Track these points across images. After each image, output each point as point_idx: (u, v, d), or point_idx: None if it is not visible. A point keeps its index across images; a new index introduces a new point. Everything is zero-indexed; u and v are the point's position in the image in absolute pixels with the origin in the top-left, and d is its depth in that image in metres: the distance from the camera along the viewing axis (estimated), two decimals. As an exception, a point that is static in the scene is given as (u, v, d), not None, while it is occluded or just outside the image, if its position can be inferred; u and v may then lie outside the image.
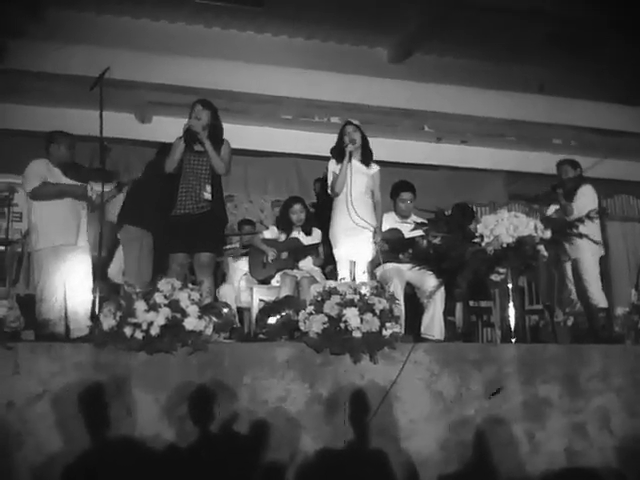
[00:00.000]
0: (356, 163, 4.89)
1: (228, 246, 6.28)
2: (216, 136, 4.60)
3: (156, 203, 4.84)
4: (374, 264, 4.86)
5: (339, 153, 4.90)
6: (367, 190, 4.92)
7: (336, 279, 4.21)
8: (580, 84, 7.20)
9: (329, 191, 4.98)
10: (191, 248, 4.47)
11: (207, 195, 4.45)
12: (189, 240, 4.43)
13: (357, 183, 4.83)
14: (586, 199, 5.51)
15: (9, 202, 5.26)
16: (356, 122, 5.03)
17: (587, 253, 5.38)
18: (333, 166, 4.95)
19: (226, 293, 5.34)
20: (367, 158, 4.97)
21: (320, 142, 5.59)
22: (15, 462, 3.00)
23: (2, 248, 5.88)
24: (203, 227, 4.43)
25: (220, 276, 5.93)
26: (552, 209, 5.70)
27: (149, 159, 5.70)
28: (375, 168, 5.00)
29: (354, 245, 4.76)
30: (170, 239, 4.52)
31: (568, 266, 5.60)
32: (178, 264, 4.45)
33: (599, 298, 5.39)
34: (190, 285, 3.35)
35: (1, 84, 6.15)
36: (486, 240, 3.97)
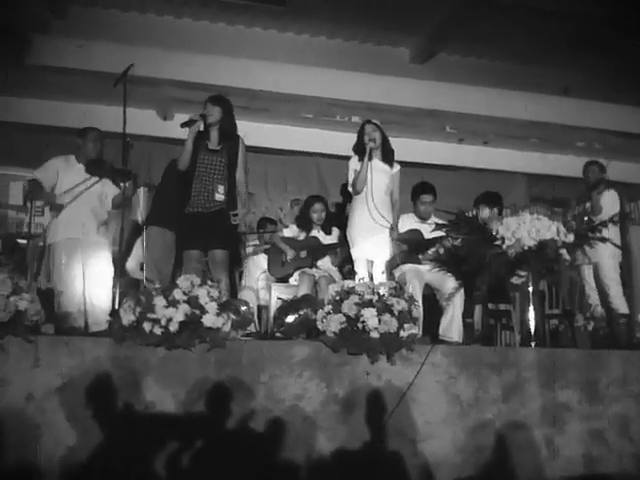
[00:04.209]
0: (377, 162, 4.89)
1: (251, 243, 6.28)
2: (227, 132, 4.57)
3: (175, 202, 4.86)
4: (392, 265, 4.85)
5: (361, 151, 4.89)
6: (387, 190, 4.91)
7: (353, 279, 4.20)
8: (604, 86, 7.11)
9: (349, 189, 4.97)
10: (205, 246, 4.46)
11: (219, 196, 4.44)
12: (202, 238, 4.42)
13: (378, 182, 4.82)
14: (607, 204, 5.46)
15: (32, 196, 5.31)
16: (375, 121, 5.01)
17: (606, 257, 5.34)
18: (355, 164, 4.94)
19: (247, 297, 5.32)
20: (388, 157, 4.95)
21: (341, 141, 5.57)
22: (34, 454, 3.03)
23: (24, 242, 5.93)
24: (216, 225, 4.42)
25: (238, 275, 5.93)
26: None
27: (171, 156, 5.73)
28: (396, 167, 4.99)
29: (372, 245, 4.75)
30: (184, 236, 4.54)
31: (587, 270, 5.56)
32: (193, 261, 4.44)
33: (619, 303, 5.34)
34: (209, 282, 3.36)
35: (24, 79, 6.19)
36: (507, 243, 3.93)
